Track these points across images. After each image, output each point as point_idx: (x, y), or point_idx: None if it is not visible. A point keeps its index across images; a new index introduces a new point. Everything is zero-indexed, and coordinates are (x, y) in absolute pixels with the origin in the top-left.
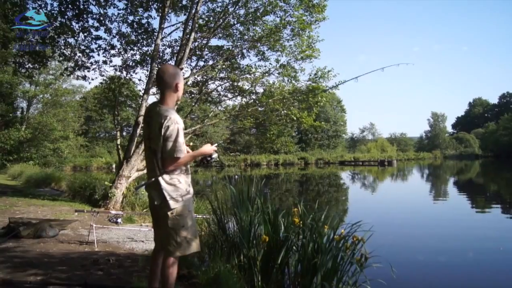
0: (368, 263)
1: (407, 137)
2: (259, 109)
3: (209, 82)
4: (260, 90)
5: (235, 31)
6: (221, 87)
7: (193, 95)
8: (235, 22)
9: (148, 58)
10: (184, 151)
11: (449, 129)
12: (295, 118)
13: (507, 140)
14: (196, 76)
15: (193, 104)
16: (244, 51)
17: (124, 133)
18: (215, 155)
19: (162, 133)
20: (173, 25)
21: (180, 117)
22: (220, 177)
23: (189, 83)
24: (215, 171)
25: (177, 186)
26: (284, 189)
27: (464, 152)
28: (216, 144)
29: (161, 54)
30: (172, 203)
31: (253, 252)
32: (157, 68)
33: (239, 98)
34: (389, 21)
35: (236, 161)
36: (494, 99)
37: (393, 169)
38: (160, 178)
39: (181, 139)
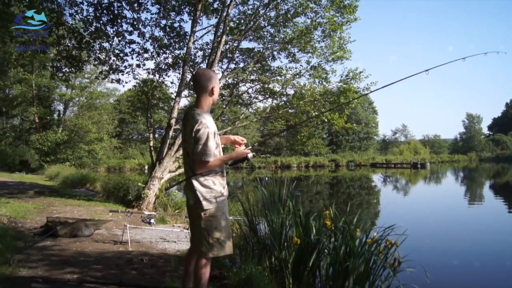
0: (402, 268)
1: (440, 139)
2: (290, 111)
3: (240, 84)
4: (290, 92)
5: (265, 33)
6: (252, 89)
7: (224, 97)
8: (266, 24)
9: (180, 61)
10: (212, 155)
11: (485, 130)
12: (326, 120)
13: None
14: (227, 79)
15: (224, 106)
16: (275, 53)
17: (157, 135)
18: (250, 155)
19: (193, 136)
20: (204, 28)
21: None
22: (250, 178)
23: (220, 85)
24: (246, 172)
25: (211, 187)
26: (314, 192)
27: (501, 155)
28: (250, 147)
29: (193, 57)
30: (205, 204)
31: (285, 254)
32: (189, 71)
33: (269, 100)
34: (422, 20)
35: (266, 163)
36: None
37: (426, 171)
38: (193, 180)
39: (211, 143)
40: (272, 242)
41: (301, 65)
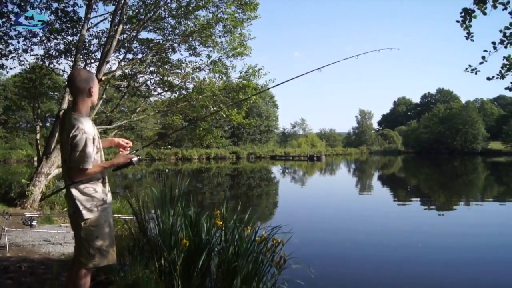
0: (288, 264)
1: (336, 133)
2: (192, 102)
3: (138, 76)
4: (190, 85)
5: (166, 24)
6: (151, 81)
7: (121, 88)
8: (167, 15)
9: (73, 48)
10: (91, 162)
11: (375, 126)
12: (224, 115)
13: (427, 138)
14: (124, 69)
15: (121, 98)
16: (175, 45)
17: (48, 124)
18: (135, 159)
19: (69, 143)
20: (100, 15)
21: (108, 110)
22: (150, 171)
23: (116, 75)
24: (145, 164)
25: (92, 195)
26: (215, 183)
27: (388, 148)
28: (134, 151)
29: (87, 45)
30: (85, 213)
31: (174, 256)
32: (82, 59)
33: (168, 93)
34: (324, 19)
35: (166, 155)
36: (416, 99)
37: (322, 164)
38: (72, 188)
39: (90, 149)
40: (161, 244)
41: (201, 59)
